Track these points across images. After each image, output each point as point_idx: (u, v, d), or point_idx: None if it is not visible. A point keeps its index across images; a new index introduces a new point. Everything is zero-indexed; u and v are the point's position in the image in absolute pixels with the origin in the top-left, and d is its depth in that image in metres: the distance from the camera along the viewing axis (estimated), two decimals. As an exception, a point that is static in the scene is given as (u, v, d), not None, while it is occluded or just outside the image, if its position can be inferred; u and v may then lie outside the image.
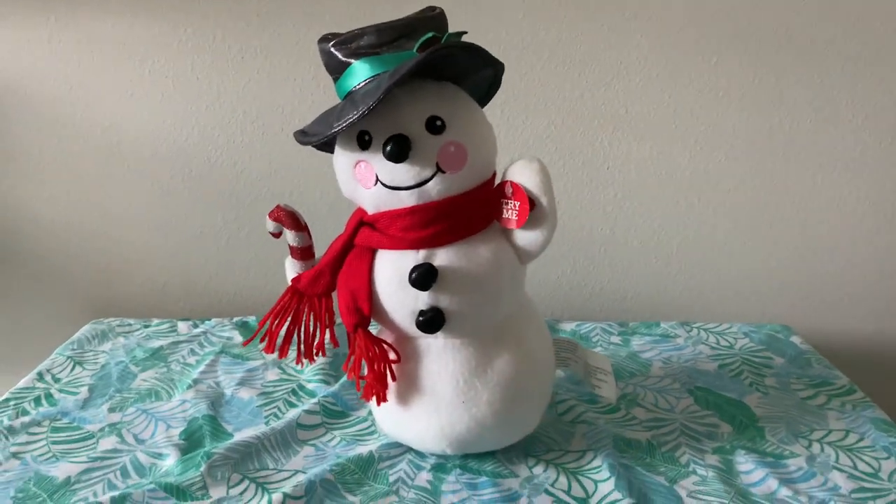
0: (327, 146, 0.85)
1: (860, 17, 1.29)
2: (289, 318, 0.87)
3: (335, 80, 0.82)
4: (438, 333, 0.81)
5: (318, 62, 1.35)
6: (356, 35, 0.79)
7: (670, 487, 0.85)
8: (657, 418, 1.00)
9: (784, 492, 0.84)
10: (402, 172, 0.78)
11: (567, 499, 0.82)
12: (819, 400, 1.06)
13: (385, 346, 0.83)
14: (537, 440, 0.93)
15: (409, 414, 0.85)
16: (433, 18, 0.81)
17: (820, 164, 1.36)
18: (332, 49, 0.80)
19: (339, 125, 0.76)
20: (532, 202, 0.79)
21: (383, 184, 0.79)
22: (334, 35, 0.81)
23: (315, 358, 0.89)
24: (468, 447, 0.86)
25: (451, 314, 0.80)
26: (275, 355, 0.89)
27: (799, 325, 1.35)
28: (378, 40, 0.78)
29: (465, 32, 0.81)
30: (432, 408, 0.83)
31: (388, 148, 0.75)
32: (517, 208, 0.80)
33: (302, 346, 0.88)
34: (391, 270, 0.80)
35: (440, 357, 0.83)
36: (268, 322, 0.88)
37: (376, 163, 0.78)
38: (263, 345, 0.89)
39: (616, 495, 0.82)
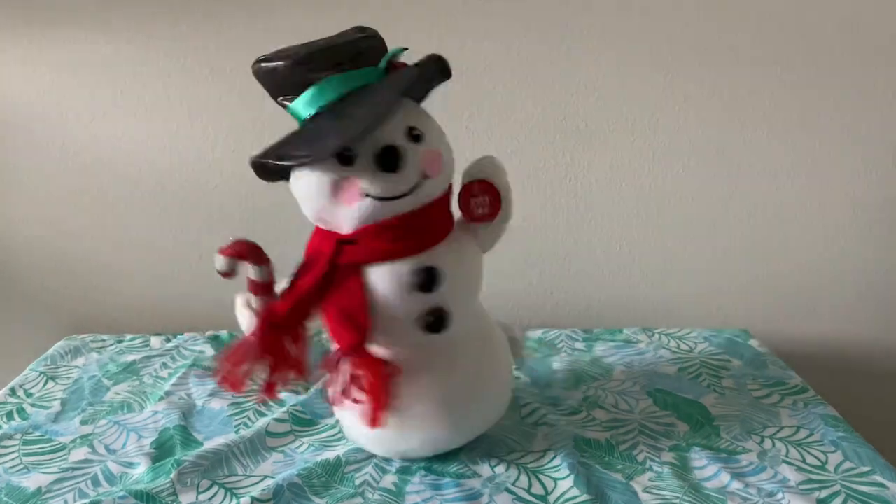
0: (277, 174, 0.85)
1: (810, 35, 1.35)
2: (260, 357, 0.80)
3: (289, 99, 0.81)
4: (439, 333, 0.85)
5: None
6: (309, 54, 0.79)
7: (627, 484, 0.88)
8: (616, 419, 1.03)
9: (735, 485, 0.88)
10: (395, 182, 0.80)
11: (527, 496, 0.85)
12: (773, 399, 1.10)
13: (382, 362, 0.82)
14: (500, 442, 0.96)
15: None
16: (374, 37, 0.84)
17: (773, 174, 1.42)
18: (293, 67, 0.80)
19: (344, 139, 0.75)
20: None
21: (374, 197, 0.80)
22: (271, 56, 0.81)
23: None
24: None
25: (453, 311, 0.85)
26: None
27: (757, 329, 1.39)
28: (338, 59, 0.80)
29: (406, 49, 0.85)
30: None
31: (385, 159, 0.78)
32: (488, 203, 0.87)
33: (281, 380, 0.82)
34: (390, 281, 0.81)
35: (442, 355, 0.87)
36: (244, 364, 0.80)
37: (363, 177, 0.79)
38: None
39: (574, 492, 0.85)
